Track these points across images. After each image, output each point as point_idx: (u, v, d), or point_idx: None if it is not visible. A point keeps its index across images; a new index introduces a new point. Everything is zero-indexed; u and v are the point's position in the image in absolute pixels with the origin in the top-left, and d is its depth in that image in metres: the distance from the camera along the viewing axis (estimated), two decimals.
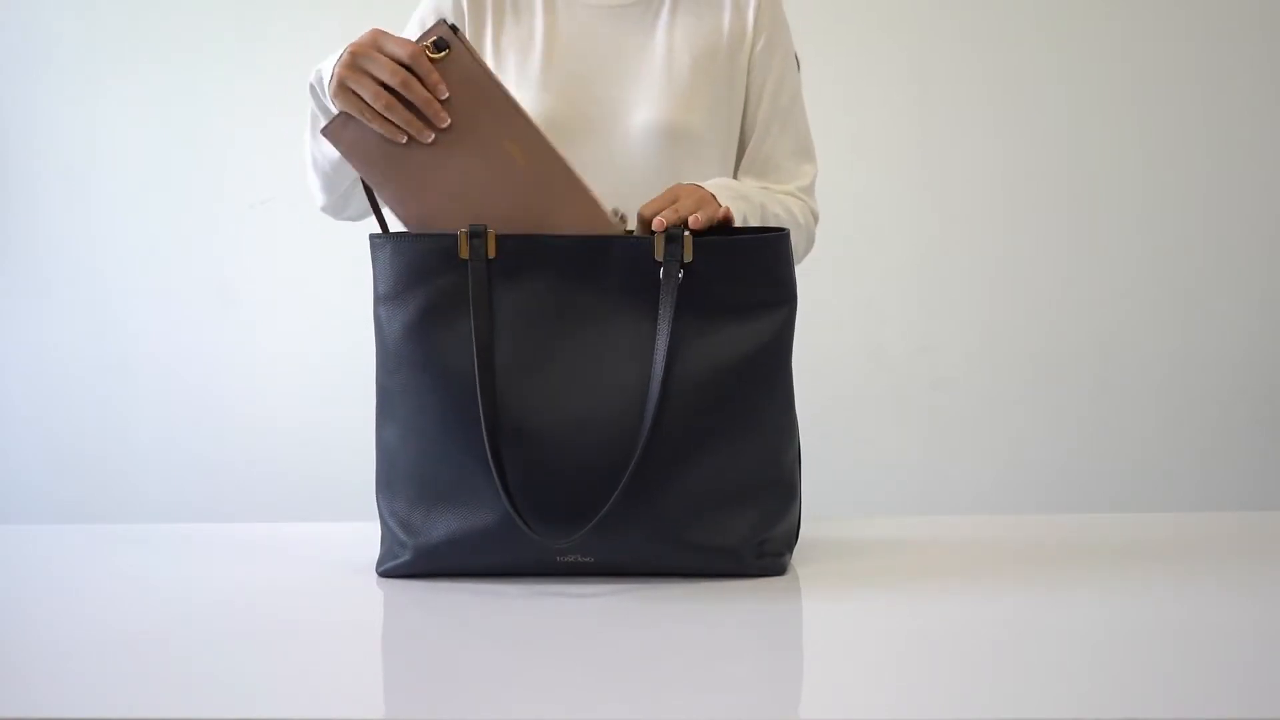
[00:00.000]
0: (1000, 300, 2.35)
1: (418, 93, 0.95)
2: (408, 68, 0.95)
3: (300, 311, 2.46)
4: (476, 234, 0.95)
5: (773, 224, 1.13)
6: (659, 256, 0.95)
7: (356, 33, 0.99)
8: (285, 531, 1.22)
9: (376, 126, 0.96)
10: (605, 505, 0.90)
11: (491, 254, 0.95)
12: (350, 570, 1.00)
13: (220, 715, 0.65)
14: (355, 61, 0.96)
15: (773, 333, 0.97)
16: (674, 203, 0.99)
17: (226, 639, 0.80)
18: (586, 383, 0.94)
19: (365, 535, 1.09)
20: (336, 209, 1.22)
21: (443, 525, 0.95)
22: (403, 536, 0.96)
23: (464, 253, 0.95)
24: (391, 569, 0.98)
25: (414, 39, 0.98)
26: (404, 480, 0.97)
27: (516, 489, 0.92)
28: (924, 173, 2.35)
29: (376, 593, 0.94)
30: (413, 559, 0.96)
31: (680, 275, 0.94)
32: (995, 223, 2.35)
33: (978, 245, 2.34)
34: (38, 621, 0.86)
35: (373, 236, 0.99)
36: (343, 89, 0.96)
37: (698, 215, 0.95)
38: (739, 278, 0.96)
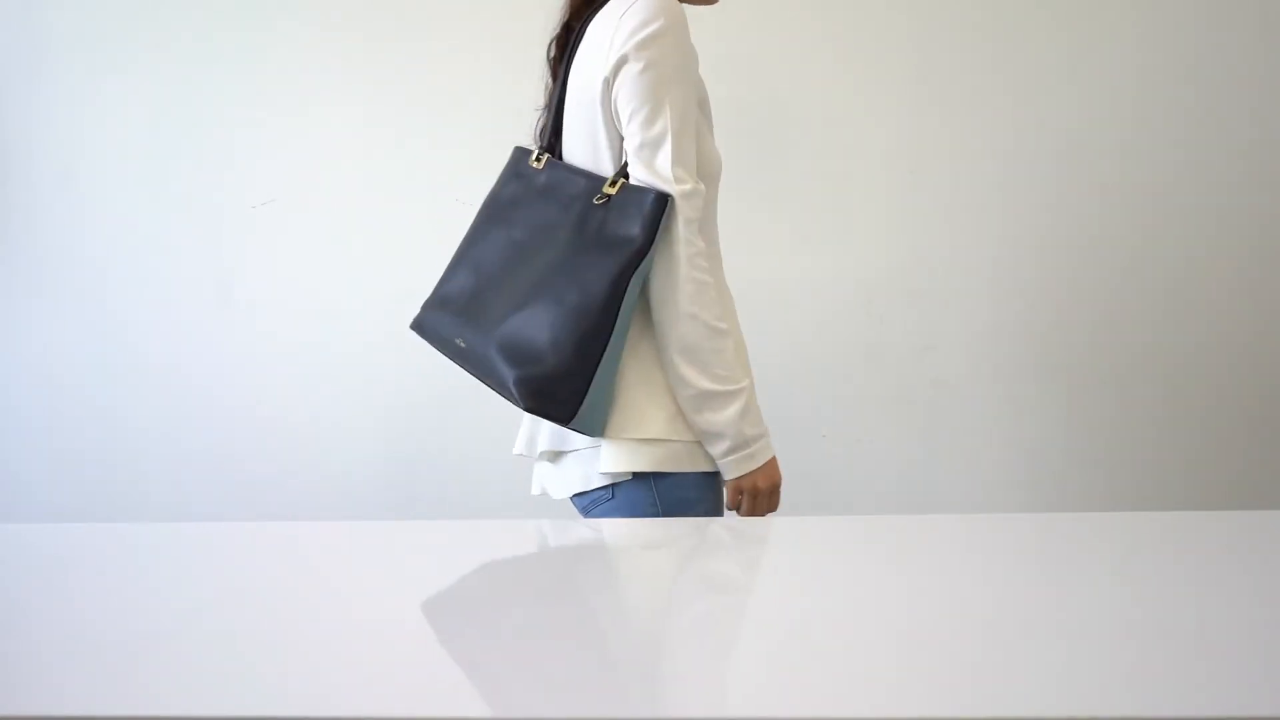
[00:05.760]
0: (1000, 300, 2.35)
1: None
2: None
3: (301, 312, 2.46)
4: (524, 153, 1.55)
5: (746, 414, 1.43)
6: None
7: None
8: (285, 531, 1.23)
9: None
10: (477, 320, 1.43)
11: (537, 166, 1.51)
12: (352, 570, 1.01)
13: (221, 715, 0.65)
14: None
15: (626, 253, 1.34)
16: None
17: (227, 639, 0.80)
18: (497, 246, 1.47)
19: (366, 535, 1.09)
20: None
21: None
22: None
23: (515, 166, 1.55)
24: None
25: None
26: None
27: (446, 285, 1.52)
28: (924, 172, 2.35)
29: (378, 593, 0.94)
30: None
31: (596, 201, 1.39)
32: (995, 222, 2.35)
33: (978, 245, 2.35)
34: (38, 621, 0.86)
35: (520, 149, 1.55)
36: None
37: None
38: (621, 212, 1.36)
